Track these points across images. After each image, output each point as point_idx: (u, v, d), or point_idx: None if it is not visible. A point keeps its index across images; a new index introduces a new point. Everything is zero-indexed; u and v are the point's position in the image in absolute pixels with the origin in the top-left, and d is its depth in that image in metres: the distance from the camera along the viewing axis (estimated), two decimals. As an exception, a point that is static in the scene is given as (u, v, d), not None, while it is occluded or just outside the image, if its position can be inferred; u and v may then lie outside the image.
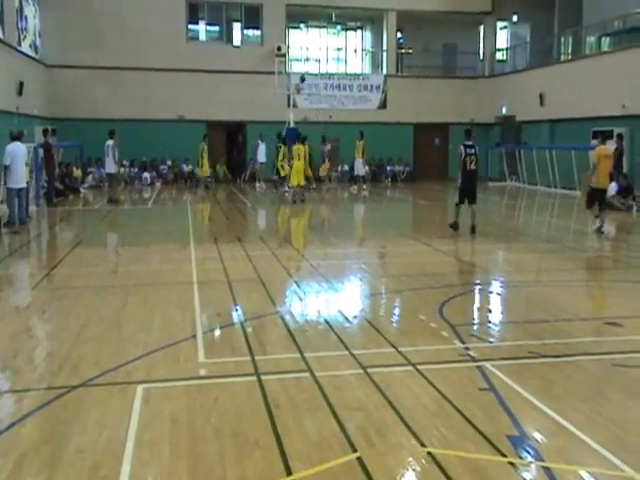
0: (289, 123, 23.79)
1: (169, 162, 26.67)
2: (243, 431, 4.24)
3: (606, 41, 24.66)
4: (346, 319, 6.99)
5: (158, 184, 25.87)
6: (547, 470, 3.79)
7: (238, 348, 5.92)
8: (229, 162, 28.43)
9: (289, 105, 25.03)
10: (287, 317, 7.02)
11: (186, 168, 26.55)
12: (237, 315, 7.13)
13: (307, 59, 28.42)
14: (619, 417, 4.47)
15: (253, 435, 4.18)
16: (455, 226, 13.08)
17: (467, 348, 5.88)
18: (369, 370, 5.31)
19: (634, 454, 3.96)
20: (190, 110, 26.67)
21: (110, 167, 19.30)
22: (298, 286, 8.53)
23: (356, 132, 23.68)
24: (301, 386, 5.02)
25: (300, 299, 7.94)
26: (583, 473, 3.79)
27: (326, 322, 6.84)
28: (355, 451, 3.97)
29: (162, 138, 26.03)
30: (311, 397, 4.81)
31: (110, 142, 19.06)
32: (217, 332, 6.49)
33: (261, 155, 24.86)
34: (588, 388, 5.02)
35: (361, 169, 23.13)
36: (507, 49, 30.87)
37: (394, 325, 6.96)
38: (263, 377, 5.17)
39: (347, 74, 29.17)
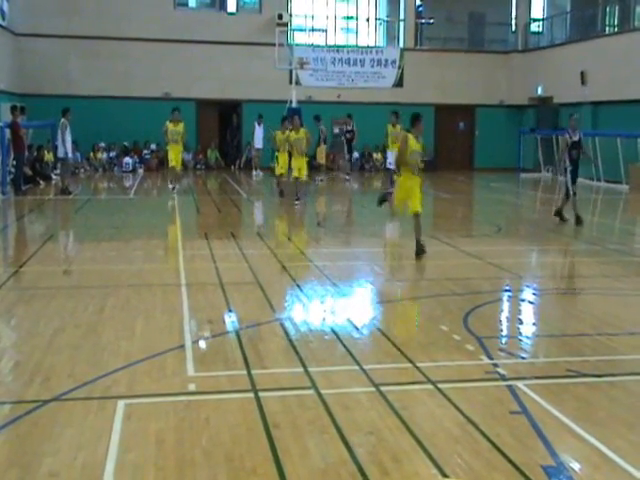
0: (291, 102, 23.83)
1: (153, 146, 26.74)
2: (238, 455, 4.26)
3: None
4: (356, 329, 7.01)
5: (141, 171, 25.95)
6: (587, 506, 3.81)
7: (232, 360, 5.94)
8: (222, 147, 28.49)
9: (291, 82, 25.07)
10: (288, 325, 7.05)
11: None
12: (231, 322, 7.16)
13: (312, 29, 28.43)
14: (670, 446, 4.48)
15: (250, 460, 4.20)
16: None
17: (495, 365, 5.89)
18: (382, 388, 5.33)
19: (687, 489, 3.97)
20: (177, 87, 26.72)
21: (60, 151, 18.82)
22: (301, 290, 8.56)
23: (370, 113, 23.66)
24: (304, 405, 5.05)
25: (303, 305, 7.97)
26: (628, 510, 3.82)
27: (333, 332, 6.86)
28: (378, 484, 3.99)
29: (145, 119, 26.05)
30: (316, 418, 4.83)
31: (62, 121, 18.24)
32: (208, 342, 6.52)
33: (258, 140, 24.82)
34: (634, 412, 5.02)
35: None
36: (543, 20, 30.81)
37: (411, 337, 6.98)
38: (261, 394, 5.19)
39: (358, 47, 29.17)
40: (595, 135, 23.21)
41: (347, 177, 23.55)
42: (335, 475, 4.07)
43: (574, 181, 14.02)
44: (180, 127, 18.17)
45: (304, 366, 5.80)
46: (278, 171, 18.55)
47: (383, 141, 20.17)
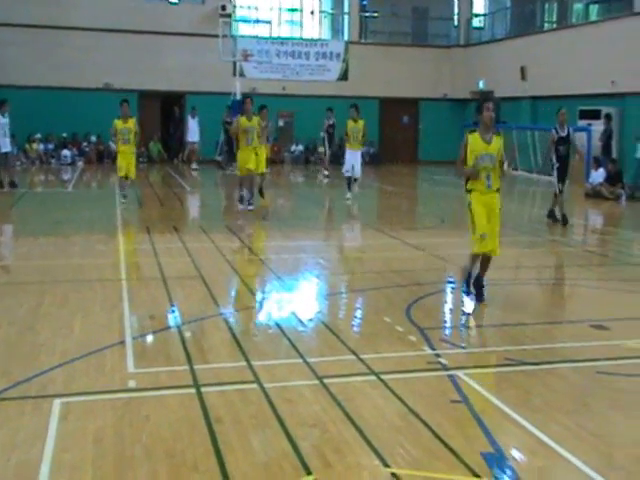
0: (235, 95, 23.66)
1: (93, 138, 26.23)
2: (179, 452, 4.22)
3: (594, 9, 25.24)
4: (300, 322, 7.01)
5: (80, 163, 25.43)
6: (525, 491, 3.88)
7: (174, 356, 5.87)
8: (164, 139, 28.12)
9: (235, 74, 24.89)
10: (232, 320, 7.01)
11: (114, 145, 26.15)
12: (173, 318, 7.08)
13: (257, 21, 28.25)
14: (604, 431, 4.61)
15: (191, 456, 4.16)
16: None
17: (437, 355, 5.96)
18: (326, 381, 5.34)
19: (619, 471, 4.08)
20: (118, 78, 26.23)
21: (6, 145, 18.26)
22: (245, 284, 8.51)
23: (314, 106, 23.65)
24: (247, 399, 5.02)
25: (247, 299, 7.93)
26: (565, 494, 3.91)
27: (277, 326, 6.84)
28: (310, 473, 3.99)
29: (85, 110, 25.54)
30: (259, 412, 4.81)
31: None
32: (149, 337, 6.43)
33: (193, 133, 24.60)
34: (571, 399, 5.15)
35: (358, 168, 16.22)
36: (485, 15, 31.28)
37: (355, 329, 7.02)
38: (203, 389, 5.14)
39: (303, 39, 29.14)
40: (534, 129, 23.68)
41: (326, 173, 22.15)
42: (278, 469, 4.06)
43: (561, 179, 13.46)
44: (131, 123, 15.02)
45: (247, 360, 5.77)
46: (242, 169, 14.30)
47: (344, 139, 17.29)
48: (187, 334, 6.46)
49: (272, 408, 4.85)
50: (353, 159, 16.08)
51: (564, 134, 13.26)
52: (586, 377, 5.61)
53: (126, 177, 15.16)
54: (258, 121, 14.30)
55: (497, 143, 7.42)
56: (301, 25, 30.00)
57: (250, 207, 14.20)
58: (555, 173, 13.53)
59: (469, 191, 7.59)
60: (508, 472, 4.06)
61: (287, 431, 4.50)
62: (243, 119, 14.06)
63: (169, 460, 4.12)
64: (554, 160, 13.45)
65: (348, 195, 16.22)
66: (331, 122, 22.35)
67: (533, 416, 4.76)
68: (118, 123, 15.03)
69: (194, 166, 24.49)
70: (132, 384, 5.26)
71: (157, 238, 11.39)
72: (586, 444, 4.43)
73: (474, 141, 7.45)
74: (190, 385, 5.23)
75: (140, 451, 4.22)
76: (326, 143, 22.60)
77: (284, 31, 29.56)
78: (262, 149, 14.90)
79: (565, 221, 13.43)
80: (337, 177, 19.58)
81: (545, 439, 4.44)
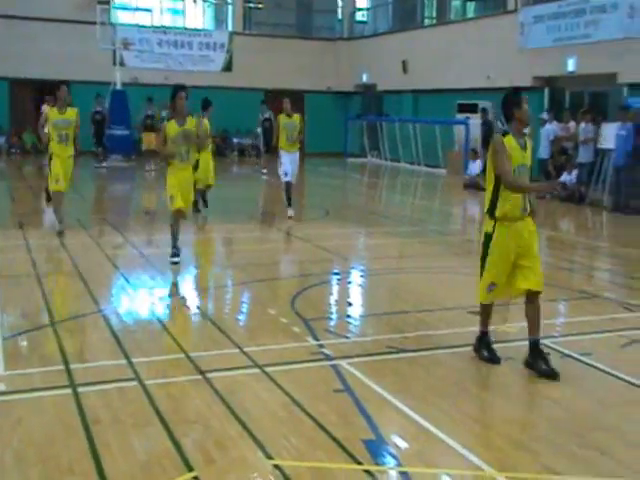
0: (115, 84, 22.99)
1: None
2: (54, 455, 4.05)
3: (471, 6, 26.17)
4: (183, 317, 6.91)
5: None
6: (405, 475, 3.98)
7: (49, 356, 5.64)
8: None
9: (115, 63, 24.17)
10: (112, 317, 6.81)
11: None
12: (48, 316, 6.79)
13: (137, 9, 27.52)
14: (479, 413, 4.80)
15: (66, 459, 4.01)
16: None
17: (321, 345, 6.02)
18: (209, 375, 5.29)
19: (494, 452, 4.26)
20: (-12, 64, 24.87)
21: None
22: (126, 280, 8.29)
23: (198, 97, 23.25)
24: (127, 398, 4.90)
25: (128, 295, 7.73)
26: (442, 475, 4.03)
27: (159, 321, 6.72)
28: (191, 470, 3.93)
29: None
30: (139, 410, 4.70)
31: None
32: (22, 337, 6.14)
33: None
34: (448, 383, 5.32)
35: (295, 174, 13.44)
36: (368, 9, 31.80)
37: (239, 322, 6.98)
38: (80, 389, 4.97)
39: (186, 29, 28.64)
40: (416, 122, 24.31)
41: (264, 171, 20.76)
42: (158, 467, 3.98)
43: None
44: (72, 114, 10.73)
45: (127, 358, 5.62)
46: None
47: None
48: (63, 333, 6.22)
49: (153, 405, 4.75)
50: (291, 162, 12.96)
51: None
52: (464, 362, 5.80)
53: (60, 192, 10.80)
54: (196, 124, 9.08)
55: (529, 148, 5.70)
56: (184, 14, 29.48)
57: (175, 259, 8.96)
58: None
59: (496, 218, 5.52)
60: (389, 458, 4.15)
61: (168, 428, 4.42)
62: (171, 124, 8.89)
63: (42, 465, 3.95)
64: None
65: (290, 212, 12.74)
66: (267, 116, 21.25)
67: (413, 402, 4.89)
68: (52, 112, 10.79)
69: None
70: (2, 387, 5.01)
71: (31, 233, 10.90)
72: (463, 426, 4.59)
73: (511, 146, 5.47)
74: (66, 386, 5.04)
75: (10, 457, 4.03)
76: (261, 139, 21.50)
77: (166, 20, 28.96)
78: (206, 156, 12.51)
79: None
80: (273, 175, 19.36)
81: (424, 423, 4.57)
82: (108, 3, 25.57)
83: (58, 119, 10.70)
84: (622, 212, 14.15)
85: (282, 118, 13.14)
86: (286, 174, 12.92)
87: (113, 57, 24.66)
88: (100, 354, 5.79)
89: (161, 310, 7.18)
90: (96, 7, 24.22)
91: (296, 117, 13.14)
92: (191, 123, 8.95)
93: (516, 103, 5.55)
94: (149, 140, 22.15)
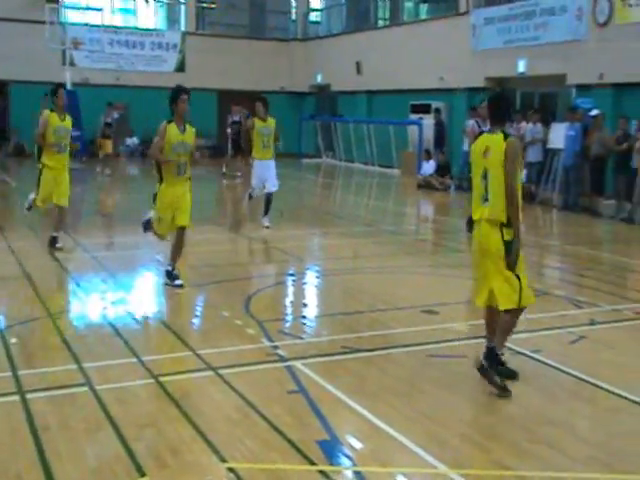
0: (65, 85, 22.58)
1: None
2: (1, 464, 3.97)
3: (424, 8, 26.41)
4: (135, 321, 6.84)
5: None
6: (359, 475, 4.00)
7: (-4, 362, 5.53)
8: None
9: (65, 63, 23.77)
10: (62, 322, 6.70)
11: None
12: (-3, 321, 6.66)
13: (87, 8, 27.09)
14: (433, 412, 4.83)
15: (14, 468, 3.93)
16: None
17: (275, 347, 6.01)
18: (162, 379, 5.23)
19: (447, 449, 4.30)
20: None
21: None
22: (77, 284, 8.16)
23: (150, 97, 23.05)
24: (77, 403, 4.83)
25: (79, 299, 7.61)
26: (397, 474, 4.06)
27: (111, 325, 6.62)
28: (143, 475, 3.89)
29: None
30: (90, 415, 4.63)
31: None
32: (-31, 344, 6.00)
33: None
34: (403, 382, 5.36)
35: (274, 181, 11.98)
36: (322, 10, 31.86)
37: (193, 325, 6.94)
38: (29, 395, 4.88)
39: (137, 29, 28.31)
40: (370, 122, 24.45)
41: (238, 174, 19.88)
42: (110, 473, 3.92)
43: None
44: (70, 122, 9.82)
45: (78, 363, 5.53)
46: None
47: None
48: (12, 339, 6.08)
49: (104, 411, 4.68)
50: (264, 172, 11.80)
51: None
52: (418, 360, 5.86)
53: (63, 208, 9.85)
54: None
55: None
56: (135, 14, 29.14)
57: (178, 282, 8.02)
58: None
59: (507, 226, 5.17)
60: (344, 458, 4.16)
61: (120, 433, 4.37)
62: (172, 128, 7.85)
63: (-11, 474, 3.87)
64: None
65: (266, 223, 11.76)
66: (236, 118, 20.77)
67: (367, 401, 4.91)
68: (53, 118, 9.52)
69: None
70: (-52, 395, 4.90)
71: (-20, 237, 10.66)
72: (417, 425, 4.63)
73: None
74: (14, 392, 4.94)
75: (-44, 467, 3.94)
76: (229, 143, 20.96)
77: (117, 20, 28.59)
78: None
79: None
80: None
81: (379, 423, 4.60)
82: (57, 2, 25.12)
83: (59, 126, 9.57)
84: (571, 210, 14.44)
85: (256, 122, 11.78)
86: (256, 187, 11.88)
87: (63, 57, 24.23)
88: (49, 359, 5.69)
89: (113, 314, 7.08)
90: (45, 6, 23.75)
91: (271, 121, 11.83)
92: (190, 132, 7.92)
93: (512, 103, 5.43)
94: (107, 147, 21.90)
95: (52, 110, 9.62)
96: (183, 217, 7.88)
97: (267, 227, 11.69)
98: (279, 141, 12.03)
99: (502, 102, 5.44)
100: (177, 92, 7.81)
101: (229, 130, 21.62)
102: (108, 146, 22.06)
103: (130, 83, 26.66)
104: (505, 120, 5.40)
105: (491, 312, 5.37)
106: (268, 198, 11.79)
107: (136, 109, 26.22)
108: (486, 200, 5.18)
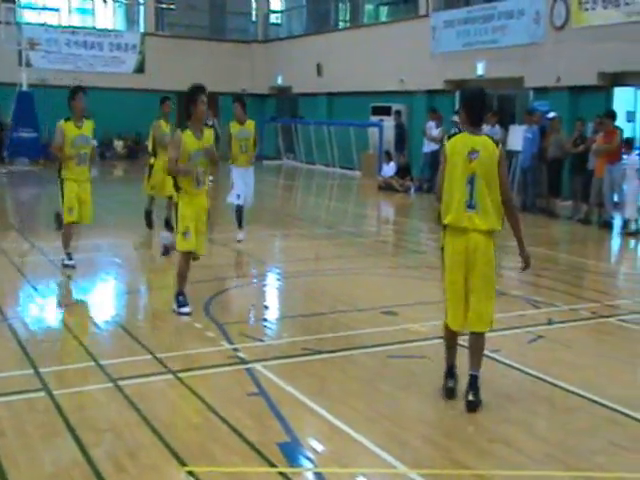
0: (21, 86, 22.26)
1: None
2: (-45, 472, 3.90)
3: (384, 10, 26.58)
4: (95, 324, 6.76)
5: None
6: (320, 476, 4.00)
7: (-50, 369, 5.42)
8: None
9: (21, 64, 23.40)
10: (18, 326, 6.58)
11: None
12: (-50, 327, 6.52)
13: (44, 8, 26.70)
14: (393, 412, 4.87)
15: (-31, 475, 3.86)
16: None
17: (236, 349, 5.99)
18: (120, 383, 5.19)
19: (407, 449, 4.34)
20: None
21: None
22: (34, 288, 8.03)
23: (109, 99, 22.79)
24: (34, 409, 4.76)
25: (35, 303, 7.49)
26: (358, 475, 4.08)
27: (68, 329, 6.53)
28: (102, 480, 3.86)
29: None
30: (47, 421, 4.57)
31: None
32: None
33: None
34: (363, 383, 5.39)
35: (251, 193, 11.44)
36: (282, 12, 31.85)
37: (152, 328, 6.87)
38: (-16, 402, 4.80)
39: (96, 29, 27.98)
40: (331, 124, 24.50)
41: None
42: (67, 478, 3.88)
43: None
44: (89, 127, 8.83)
45: (35, 368, 5.45)
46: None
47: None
48: (-34, 344, 5.98)
49: (62, 416, 4.62)
50: (246, 183, 11.05)
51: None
52: (378, 361, 5.89)
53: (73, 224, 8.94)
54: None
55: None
56: (93, 14, 28.79)
57: (185, 310, 7.09)
58: None
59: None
60: (304, 459, 4.17)
61: (78, 439, 4.31)
62: (189, 135, 6.95)
63: (-58, 482, 3.79)
64: None
65: (240, 236, 10.84)
66: (210, 123, 20.44)
67: (327, 403, 4.92)
68: (69, 127, 8.66)
69: None
70: None
71: None
72: (377, 426, 4.66)
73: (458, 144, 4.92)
74: (-32, 399, 4.86)
75: None
76: None
77: (75, 20, 28.22)
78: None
79: None
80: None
81: (339, 424, 4.61)
82: (14, 2, 24.73)
83: (76, 136, 8.65)
84: (529, 212, 14.65)
85: (233, 126, 10.95)
86: (238, 196, 10.89)
87: (19, 58, 23.85)
88: (6, 365, 5.59)
89: (70, 318, 6.98)
90: (0, 6, 23.36)
91: (250, 124, 10.98)
92: (209, 135, 7.09)
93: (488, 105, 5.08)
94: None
95: (67, 119, 8.70)
96: (204, 232, 7.17)
97: (240, 241, 10.76)
98: (257, 146, 11.16)
99: (483, 100, 5.14)
100: (195, 92, 6.83)
101: None
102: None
103: (89, 84, 26.26)
104: (483, 121, 5.16)
105: (455, 336, 5.11)
106: (241, 210, 11.05)
107: (95, 111, 25.89)
108: (472, 207, 4.77)
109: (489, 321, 4.97)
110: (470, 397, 4.86)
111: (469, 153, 4.77)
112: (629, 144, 13.63)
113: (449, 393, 5.08)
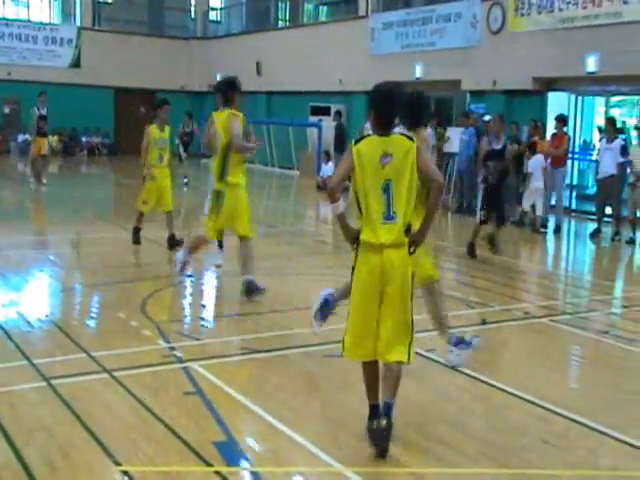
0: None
1: None
2: None
3: (324, 10, 26.70)
4: (27, 323, 6.60)
5: None
6: (256, 475, 4.01)
7: None
8: None
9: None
10: (-54, 324, 6.38)
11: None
12: None
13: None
14: (329, 411, 4.90)
15: None
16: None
17: (172, 348, 5.94)
18: (54, 382, 5.09)
19: (343, 448, 4.36)
20: None
21: None
22: (-38, 285, 7.81)
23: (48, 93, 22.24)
24: (-37, 409, 4.62)
25: (-36, 301, 7.28)
26: (294, 474, 4.10)
27: (0, 328, 6.36)
28: (33, 480, 3.78)
29: None
30: (-23, 422, 4.45)
31: None
32: None
33: None
34: (300, 383, 5.41)
35: None
36: (221, 9, 31.65)
37: (87, 327, 6.76)
38: None
39: (30, 22, 27.32)
40: (269, 124, 24.47)
41: (185, 180, 19.14)
42: (-3, 481, 3.79)
43: (488, 206, 10.40)
44: (168, 132, 10.35)
45: (-36, 367, 5.31)
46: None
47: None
48: None
49: (-8, 416, 4.51)
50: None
51: (498, 147, 10.48)
52: (315, 361, 5.92)
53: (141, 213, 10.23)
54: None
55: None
56: (28, 6, 28.08)
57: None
58: (480, 195, 10.73)
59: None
60: (240, 459, 4.17)
61: (9, 438, 4.22)
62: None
63: None
64: (480, 178, 10.74)
65: (219, 261, 9.52)
66: (187, 129, 19.62)
67: (264, 402, 4.93)
68: (154, 131, 10.03)
69: None
70: None
71: None
72: (314, 425, 4.69)
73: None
74: None
75: None
76: (180, 151, 19.60)
77: (9, 12, 27.49)
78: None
79: (472, 252, 10.54)
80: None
81: (276, 423, 4.62)
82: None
83: (159, 138, 10.08)
84: (465, 213, 14.93)
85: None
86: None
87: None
88: None
89: (3, 315, 6.81)
90: None
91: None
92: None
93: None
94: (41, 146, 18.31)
95: (152, 122, 10.16)
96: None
97: (218, 265, 9.46)
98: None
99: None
100: (233, 85, 8.10)
101: (178, 141, 19.89)
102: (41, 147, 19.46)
103: (22, 78, 25.68)
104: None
105: (373, 368, 4.42)
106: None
107: (28, 105, 25.29)
108: (390, 218, 4.26)
109: (403, 350, 4.25)
110: (381, 423, 4.17)
111: (381, 158, 4.24)
112: (534, 146, 13.68)
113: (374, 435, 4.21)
